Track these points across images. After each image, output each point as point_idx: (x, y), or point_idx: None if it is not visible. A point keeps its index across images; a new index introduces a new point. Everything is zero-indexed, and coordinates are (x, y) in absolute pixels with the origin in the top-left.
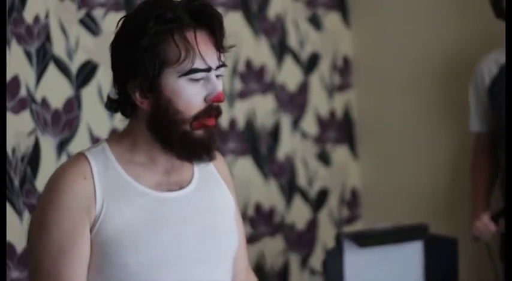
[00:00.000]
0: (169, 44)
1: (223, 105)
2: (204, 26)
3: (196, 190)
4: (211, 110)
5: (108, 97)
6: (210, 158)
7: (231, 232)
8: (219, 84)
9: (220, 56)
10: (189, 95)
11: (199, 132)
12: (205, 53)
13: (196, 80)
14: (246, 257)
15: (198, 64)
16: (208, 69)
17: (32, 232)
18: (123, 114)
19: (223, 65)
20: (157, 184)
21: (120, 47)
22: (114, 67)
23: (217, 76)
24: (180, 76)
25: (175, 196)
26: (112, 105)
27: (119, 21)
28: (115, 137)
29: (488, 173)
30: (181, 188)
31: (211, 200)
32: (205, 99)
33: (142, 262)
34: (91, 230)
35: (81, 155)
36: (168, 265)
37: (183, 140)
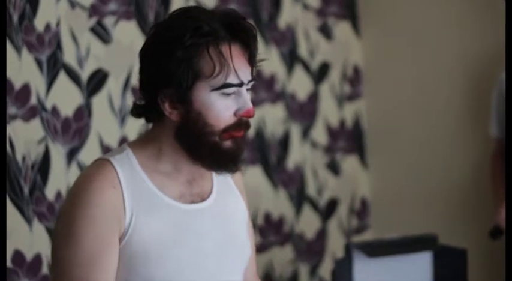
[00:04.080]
0: (204, 58)
1: None
2: (238, 40)
3: (215, 202)
4: (241, 124)
5: (134, 103)
6: (238, 168)
7: (245, 243)
8: (249, 99)
9: (252, 71)
10: (220, 109)
11: (228, 144)
12: (239, 68)
13: (228, 94)
14: (254, 266)
15: (232, 79)
16: (241, 85)
17: (59, 242)
18: (146, 119)
19: (254, 79)
20: (181, 195)
21: (152, 56)
22: (145, 75)
23: (247, 90)
24: (212, 90)
25: (198, 208)
26: (137, 112)
27: (151, 28)
28: (138, 143)
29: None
30: (202, 199)
31: (228, 212)
32: (235, 114)
33: (167, 275)
34: (119, 241)
35: (106, 161)
36: (189, 277)
37: (213, 151)
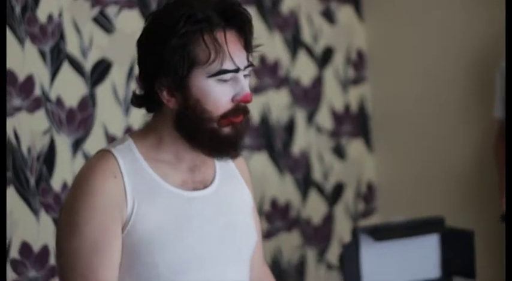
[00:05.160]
0: (199, 45)
1: None
2: (233, 26)
3: (218, 189)
4: (239, 110)
5: (134, 93)
6: (237, 154)
7: (250, 230)
8: (246, 84)
9: (248, 56)
10: (217, 95)
11: (226, 130)
12: (234, 53)
13: (225, 80)
14: (261, 252)
15: (227, 65)
16: (237, 70)
17: (62, 233)
18: (147, 109)
19: (251, 64)
20: (183, 182)
21: (148, 45)
22: (142, 64)
23: (244, 76)
24: (209, 77)
25: (201, 195)
26: (137, 101)
27: (147, 17)
28: (139, 133)
29: None
30: (205, 186)
31: (232, 199)
32: (232, 99)
33: (171, 263)
34: (122, 230)
35: (107, 152)
36: (193, 265)
37: (212, 138)
